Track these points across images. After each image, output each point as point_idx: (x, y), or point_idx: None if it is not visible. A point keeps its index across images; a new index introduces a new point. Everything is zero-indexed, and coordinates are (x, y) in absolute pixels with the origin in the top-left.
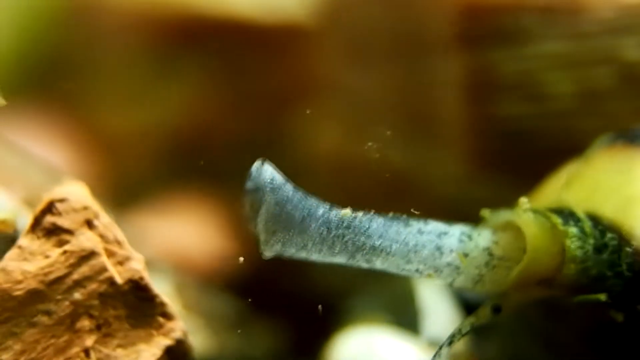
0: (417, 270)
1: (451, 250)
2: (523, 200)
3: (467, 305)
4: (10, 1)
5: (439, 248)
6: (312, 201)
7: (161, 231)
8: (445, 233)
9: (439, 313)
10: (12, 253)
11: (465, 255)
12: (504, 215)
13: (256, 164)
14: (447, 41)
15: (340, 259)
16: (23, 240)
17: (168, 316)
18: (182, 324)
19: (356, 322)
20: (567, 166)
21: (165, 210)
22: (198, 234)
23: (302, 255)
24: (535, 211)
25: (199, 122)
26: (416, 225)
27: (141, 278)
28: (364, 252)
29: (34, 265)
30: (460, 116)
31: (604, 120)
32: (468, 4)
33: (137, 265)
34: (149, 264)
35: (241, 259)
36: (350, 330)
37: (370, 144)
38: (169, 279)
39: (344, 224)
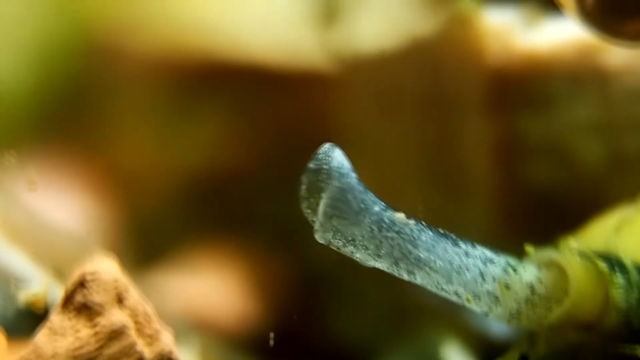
0: (455, 293)
1: (494, 279)
2: (571, 241)
3: None
4: (31, 44)
5: (482, 274)
6: (371, 196)
7: (183, 290)
8: (492, 261)
9: None
10: (43, 330)
11: (507, 287)
12: (549, 254)
13: (326, 147)
14: (476, 105)
15: (383, 263)
16: (54, 317)
17: None
18: None
19: None
20: (619, 210)
21: (186, 266)
22: (222, 293)
23: (349, 249)
24: (582, 254)
25: (220, 166)
26: (464, 247)
27: (170, 352)
28: (408, 261)
29: (65, 342)
30: (488, 177)
31: (631, 186)
32: (499, 70)
33: (167, 340)
34: (173, 325)
35: (272, 335)
36: None
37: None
38: (194, 343)
39: (395, 228)
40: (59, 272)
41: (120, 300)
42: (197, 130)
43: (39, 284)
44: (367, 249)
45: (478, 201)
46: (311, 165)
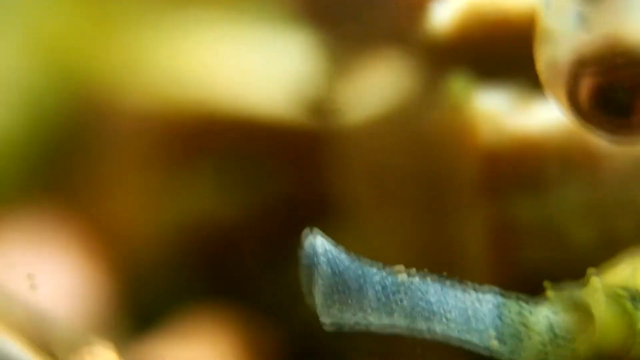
0: (480, 340)
1: (512, 320)
2: (595, 279)
3: None
4: (23, 99)
5: (499, 316)
6: (367, 267)
7: (180, 358)
8: (505, 304)
9: None
10: None
11: (527, 327)
12: (571, 294)
13: (308, 237)
14: (470, 187)
15: (400, 323)
16: None
17: None
18: None
19: None
20: (631, 255)
21: (181, 333)
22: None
23: (362, 321)
24: (605, 290)
25: (214, 226)
26: (474, 294)
27: None
28: (424, 317)
29: None
30: (483, 257)
31: None
32: (491, 153)
33: None
34: None
35: None
36: None
37: None
38: None
39: (401, 289)
40: None
41: None
42: (192, 189)
43: None
44: (380, 317)
45: (472, 280)
46: (302, 260)
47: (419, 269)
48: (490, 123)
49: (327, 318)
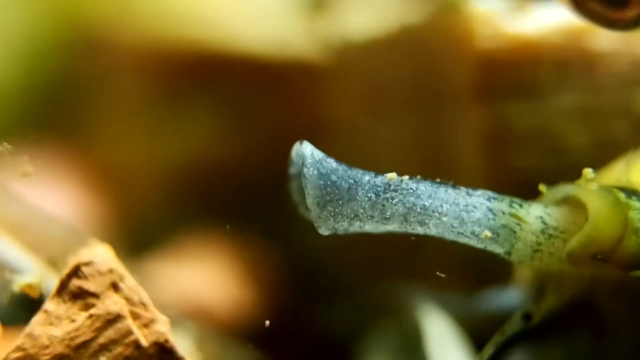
0: (473, 233)
1: (504, 213)
2: (587, 171)
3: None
4: (20, 38)
5: (490, 210)
6: (357, 170)
7: (177, 281)
8: (495, 198)
9: (450, 355)
10: (38, 318)
11: (519, 219)
12: (564, 189)
13: (295, 146)
14: (465, 93)
15: (394, 225)
16: (49, 305)
17: None
18: None
19: None
20: (625, 156)
21: (180, 256)
22: (215, 282)
23: (356, 226)
24: (598, 184)
25: (211, 159)
26: (464, 189)
27: (166, 340)
28: (416, 213)
29: (60, 330)
30: (478, 166)
31: None
32: (485, 58)
33: (162, 328)
34: (168, 314)
35: (267, 323)
36: None
37: None
38: (189, 333)
39: (392, 187)
40: (53, 262)
41: (115, 288)
42: (188, 123)
43: (33, 274)
44: (372, 217)
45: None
46: (291, 170)
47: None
48: (486, 26)
49: (321, 226)
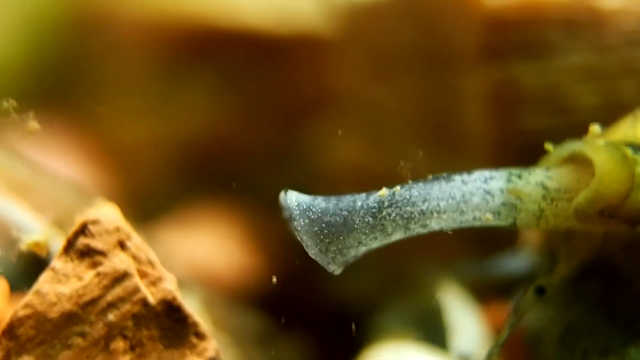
0: (474, 219)
1: (501, 191)
2: (594, 127)
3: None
4: (20, 13)
5: (488, 192)
6: (347, 199)
7: (184, 247)
8: (492, 177)
9: (467, 328)
10: (45, 275)
11: (517, 192)
12: (571, 146)
13: (280, 197)
14: (472, 54)
15: (398, 236)
16: (56, 263)
17: (201, 336)
18: (215, 344)
19: (384, 338)
20: (632, 113)
21: (186, 224)
22: (222, 248)
23: (364, 250)
24: (605, 141)
25: (215, 133)
26: (459, 177)
27: (174, 298)
28: (415, 220)
29: (67, 288)
30: (485, 129)
31: None
32: (492, 18)
33: (170, 286)
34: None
35: (274, 278)
36: (379, 346)
37: (391, 156)
38: (197, 296)
39: (386, 204)
40: (60, 221)
41: (122, 246)
42: (191, 96)
43: (40, 232)
44: (376, 238)
45: (475, 150)
46: (284, 215)
47: (422, 140)
48: None
49: (330, 265)
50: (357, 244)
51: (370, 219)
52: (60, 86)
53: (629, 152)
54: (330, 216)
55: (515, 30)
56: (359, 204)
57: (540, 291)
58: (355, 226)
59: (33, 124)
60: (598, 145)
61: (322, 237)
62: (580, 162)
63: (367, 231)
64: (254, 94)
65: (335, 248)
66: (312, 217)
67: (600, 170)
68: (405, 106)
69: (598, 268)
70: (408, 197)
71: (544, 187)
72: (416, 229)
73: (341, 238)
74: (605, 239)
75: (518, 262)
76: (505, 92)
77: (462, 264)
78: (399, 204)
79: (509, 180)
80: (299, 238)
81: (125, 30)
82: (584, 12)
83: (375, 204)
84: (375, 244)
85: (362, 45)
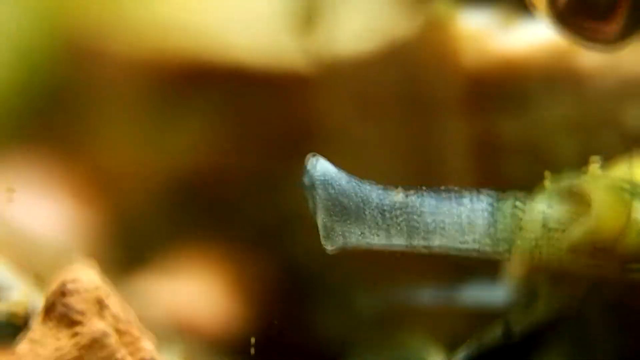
0: (474, 241)
1: (507, 225)
2: (594, 167)
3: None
4: (13, 45)
5: (492, 215)
6: (366, 188)
7: (167, 294)
8: (497, 201)
9: None
10: (24, 339)
11: (519, 217)
12: (569, 179)
13: (310, 160)
14: (453, 107)
15: (398, 242)
16: (35, 326)
17: None
18: None
19: None
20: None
21: (170, 269)
22: (205, 295)
23: (362, 243)
24: (604, 178)
25: (203, 169)
26: (468, 199)
27: (152, 359)
28: (419, 231)
29: (46, 351)
30: (467, 176)
31: None
32: (475, 72)
33: (149, 346)
34: (155, 330)
35: (252, 342)
36: None
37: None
38: (177, 348)
39: (397, 208)
40: (39, 280)
41: (101, 307)
42: (180, 132)
43: (19, 293)
44: (378, 236)
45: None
46: (304, 180)
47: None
48: (474, 42)
49: (328, 242)
50: (359, 234)
51: (379, 216)
52: (49, 120)
53: (626, 188)
54: (346, 199)
55: (495, 86)
56: (374, 198)
57: (508, 330)
58: (365, 218)
59: (11, 187)
60: (598, 184)
61: (332, 214)
62: (578, 195)
63: (372, 227)
64: (243, 128)
65: (339, 229)
66: (332, 192)
67: (598, 210)
68: (386, 148)
69: (571, 327)
70: (419, 205)
71: (545, 216)
72: (418, 242)
73: (348, 223)
74: (589, 292)
75: (496, 293)
76: (486, 142)
77: (438, 291)
78: (409, 211)
79: (514, 206)
80: (311, 205)
81: (117, 63)
82: (562, 70)
83: (388, 205)
84: (376, 241)
85: (346, 89)
